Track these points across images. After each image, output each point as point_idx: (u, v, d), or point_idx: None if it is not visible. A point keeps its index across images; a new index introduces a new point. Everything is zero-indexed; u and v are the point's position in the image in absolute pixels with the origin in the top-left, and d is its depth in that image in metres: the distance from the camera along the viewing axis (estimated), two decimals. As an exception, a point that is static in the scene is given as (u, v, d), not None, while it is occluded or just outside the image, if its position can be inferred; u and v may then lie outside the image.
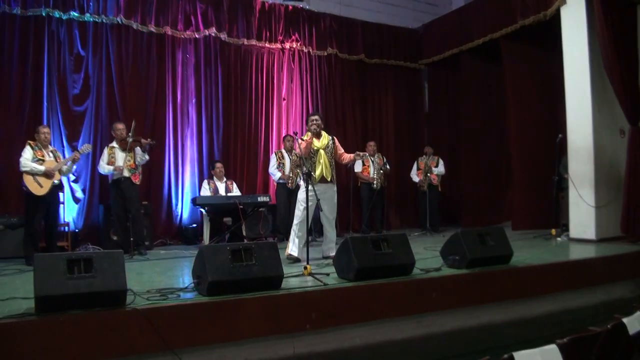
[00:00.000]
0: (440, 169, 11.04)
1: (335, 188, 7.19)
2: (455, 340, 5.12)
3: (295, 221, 6.98)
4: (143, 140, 8.23)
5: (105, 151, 8.27)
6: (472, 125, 11.81)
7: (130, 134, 8.07)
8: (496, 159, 11.81)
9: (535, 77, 10.50)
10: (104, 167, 8.22)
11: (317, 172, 6.97)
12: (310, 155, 7.03)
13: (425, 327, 5.04)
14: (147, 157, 8.39)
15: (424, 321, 5.09)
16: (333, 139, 7.30)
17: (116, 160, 8.14)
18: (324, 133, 7.22)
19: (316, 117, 7.18)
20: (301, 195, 6.81)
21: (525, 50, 10.49)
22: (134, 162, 8.20)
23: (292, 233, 6.97)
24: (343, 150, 7.44)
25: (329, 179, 7.03)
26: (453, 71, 12.37)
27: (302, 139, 7.12)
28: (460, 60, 11.92)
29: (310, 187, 6.23)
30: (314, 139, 7.09)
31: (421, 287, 5.32)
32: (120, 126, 8.27)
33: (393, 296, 5.10)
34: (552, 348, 2.65)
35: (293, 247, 6.90)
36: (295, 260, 6.76)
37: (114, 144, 8.27)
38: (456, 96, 12.47)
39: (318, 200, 6.40)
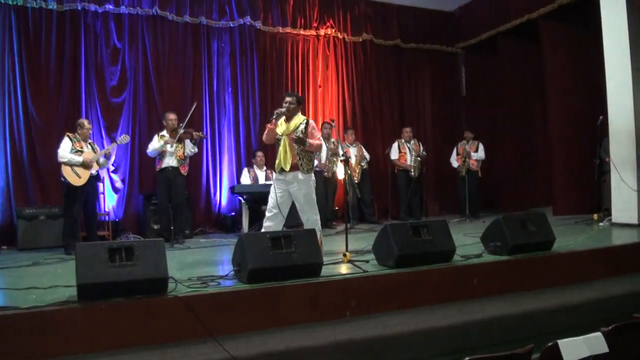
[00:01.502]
0: (480, 154, 10.85)
1: (301, 177, 6.17)
2: (497, 328, 5.05)
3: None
4: (195, 133, 8.28)
5: (155, 137, 8.32)
6: (510, 108, 11.59)
7: (182, 124, 8.13)
8: (535, 142, 11.62)
9: (575, 58, 10.24)
10: (154, 144, 8.23)
11: (277, 160, 6.25)
12: (277, 143, 6.32)
13: (466, 314, 4.98)
14: (196, 149, 8.45)
15: (465, 308, 5.03)
16: (307, 123, 6.33)
17: (166, 149, 8.18)
18: (298, 115, 6.35)
19: (289, 98, 6.33)
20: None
21: (563, 30, 10.23)
22: (183, 152, 8.26)
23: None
24: (318, 137, 6.45)
25: (287, 169, 6.15)
26: (490, 54, 12.12)
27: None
28: (497, 43, 11.68)
29: (279, 179, 6.19)
30: (283, 122, 6.28)
31: (462, 274, 5.25)
32: (172, 116, 8.33)
33: (433, 283, 5.05)
34: (597, 336, 2.60)
35: None
36: None
37: (164, 132, 8.33)
38: (493, 79, 12.22)
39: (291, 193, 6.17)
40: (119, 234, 8.81)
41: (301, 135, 6.14)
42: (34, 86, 8.83)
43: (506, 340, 4.92)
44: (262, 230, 6.18)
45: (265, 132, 6.34)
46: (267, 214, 6.25)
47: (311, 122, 6.41)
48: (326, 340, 4.27)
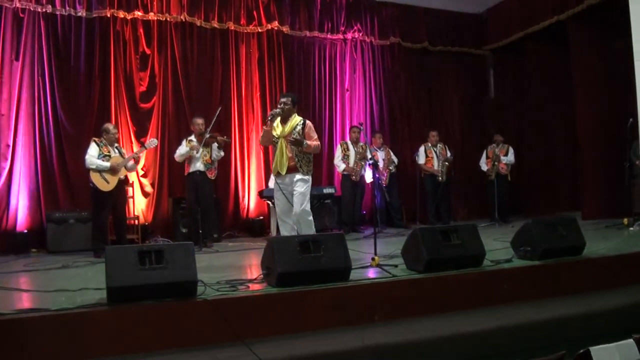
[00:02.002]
0: (510, 158, 10.73)
1: (299, 177, 6.07)
2: (528, 333, 4.98)
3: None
4: (219, 138, 8.34)
5: (184, 143, 8.42)
6: (539, 111, 11.50)
7: (208, 128, 8.19)
8: (564, 146, 11.45)
9: (604, 59, 10.11)
10: (181, 149, 8.33)
11: (274, 164, 6.19)
12: (274, 145, 6.21)
13: (496, 319, 4.92)
14: (222, 153, 8.52)
15: (495, 313, 4.97)
16: (303, 123, 6.20)
17: (193, 154, 8.26)
18: (294, 117, 6.23)
19: (284, 98, 6.21)
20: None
21: (592, 31, 10.12)
22: (210, 157, 8.32)
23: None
24: (315, 137, 6.28)
25: (283, 172, 6.09)
26: (519, 56, 12.03)
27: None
28: (525, 45, 11.60)
29: (278, 183, 6.12)
30: (280, 124, 6.16)
31: (492, 278, 5.18)
32: (199, 121, 8.40)
33: (463, 288, 4.99)
34: (629, 343, 2.56)
35: None
36: None
37: (192, 137, 8.42)
38: (522, 82, 12.12)
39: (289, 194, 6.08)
40: (148, 238, 8.88)
41: (298, 137, 6.03)
42: (63, 92, 8.96)
43: (537, 346, 4.86)
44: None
45: (261, 134, 6.24)
46: (278, 221, 6.28)
47: (308, 122, 6.29)
48: (354, 345, 4.24)
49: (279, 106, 6.15)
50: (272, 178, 9.23)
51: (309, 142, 6.07)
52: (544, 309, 5.17)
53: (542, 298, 5.27)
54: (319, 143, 6.33)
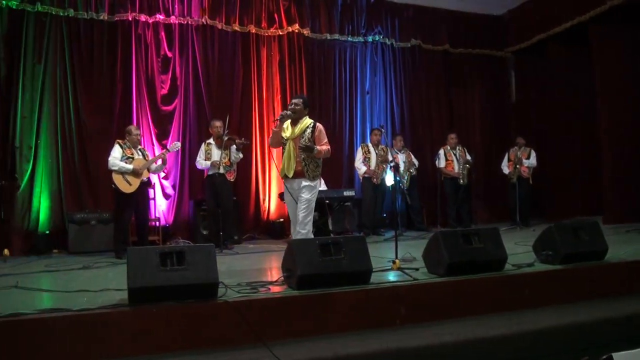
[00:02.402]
0: (532, 161, 10.64)
1: (305, 183, 5.90)
2: (549, 339, 4.94)
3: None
4: (237, 140, 8.38)
5: (203, 147, 8.53)
6: (561, 114, 11.38)
7: (226, 131, 8.23)
8: (586, 150, 11.31)
9: (627, 61, 10.00)
10: (202, 162, 8.45)
11: (281, 167, 6.05)
12: (283, 147, 6.07)
13: (517, 324, 4.87)
14: (240, 155, 8.56)
15: (516, 318, 4.94)
16: (314, 126, 6.02)
17: (212, 157, 8.35)
18: (305, 119, 6.05)
19: (295, 100, 6.07)
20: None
21: (614, 32, 10.01)
22: (229, 159, 8.37)
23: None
24: (325, 141, 6.05)
25: (290, 175, 5.93)
26: (540, 58, 11.91)
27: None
28: (547, 47, 11.51)
29: (287, 187, 5.94)
30: (289, 126, 6.00)
31: (513, 283, 5.14)
32: (218, 123, 8.46)
33: (484, 292, 4.95)
34: (653, 348, 2.52)
35: None
36: None
37: (211, 140, 8.51)
38: (544, 84, 12.01)
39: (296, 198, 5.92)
40: (169, 239, 8.94)
41: (308, 143, 5.84)
42: (86, 95, 9.07)
43: (559, 352, 4.82)
44: None
45: (271, 135, 6.11)
46: (291, 223, 6.21)
47: (318, 125, 6.09)
48: (375, 348, 4.23)
49: (289, 107, 6.04)
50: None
51: (319, 148, 5.89)
52: (565, 313, 5.12)
53: (564, 303, 5.22)
54: (329, 147, 6.10)
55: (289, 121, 6.02)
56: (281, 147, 6.17)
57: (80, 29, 9.11)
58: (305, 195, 5.87)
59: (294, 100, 6.06)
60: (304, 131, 5.93)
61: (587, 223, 6.02)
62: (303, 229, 5.92)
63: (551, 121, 11.67)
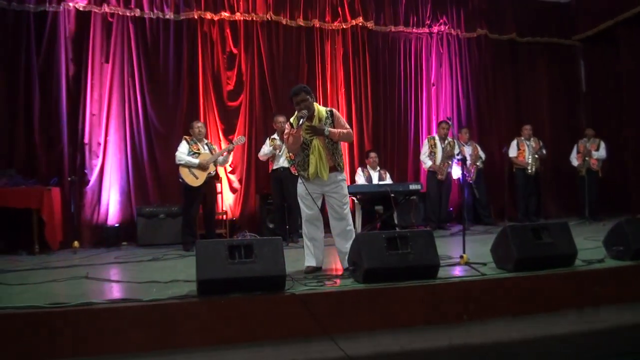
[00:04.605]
0: (601, 152, 10.31)
1: (340, 177, 5.42)
2: (620, 338, 4.77)
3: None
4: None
5: (267, 142, 8.67)
6: (633, 103, 10.90)
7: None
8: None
9: None
10: (265, 149, 8.62)
11: (311, 168, 5.26)
12: (303, 148, 5.36)
13: (586, 322, 4.73)
14: None
15: (586, 316, 4.79)
16: (331, 113, 5.47)
17: (276, 153, 8.49)
18: (318, 109, 5.40)
19: (299, 96, 5.32)
20: (299, 188, 5.47)
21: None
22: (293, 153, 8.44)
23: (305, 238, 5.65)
24: (346, 125, 5.48)
25: (325, 177, 5.28)
26: (610, 45, 11.47)
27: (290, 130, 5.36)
28: (617, 33, 11.05)
29: (306, 187, 5.32)
30: (306, 125, 5.28)
31: (583, 279, 4.98)
32: (281, 118, 8.52)
33: (553, 288, 4.82)
34: None
35: (308, 256, 5.56)
36: (314, 270, 5.41)
37: (275, 135, 8.61)
38: (614, 72, 11.52)
39: (320, 197, 5.44)
40: (236, 232, 9.05)
41: (320, 126, 5.25)
42: (153, 92, 9.30)
43: (630, 351, 4.64)
44: (309, 244, 5.60)
45: (290, 141, 5.31)
46: (308, 225, 5.62)
47: (334, 111, 5.53)
48: (441, 343, 4.17)
49: (300, 107, 5.30)
50: (359, 173, 9.26)
51: (333, 130, 5.29)
52: (637, 312, 4.94)
53: (635, 301, 5.03)
54: (350, 131, 5.50)
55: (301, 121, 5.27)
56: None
57: (146, 28, 9.34)
58: (342, 190, 5.44)
59: (298, 97, 5.31)
60: (324, 123, 5.34)
61: (661, 217, 5.80)
62: (350, 224, 5.56)
63: (623, 111, 11.20)
